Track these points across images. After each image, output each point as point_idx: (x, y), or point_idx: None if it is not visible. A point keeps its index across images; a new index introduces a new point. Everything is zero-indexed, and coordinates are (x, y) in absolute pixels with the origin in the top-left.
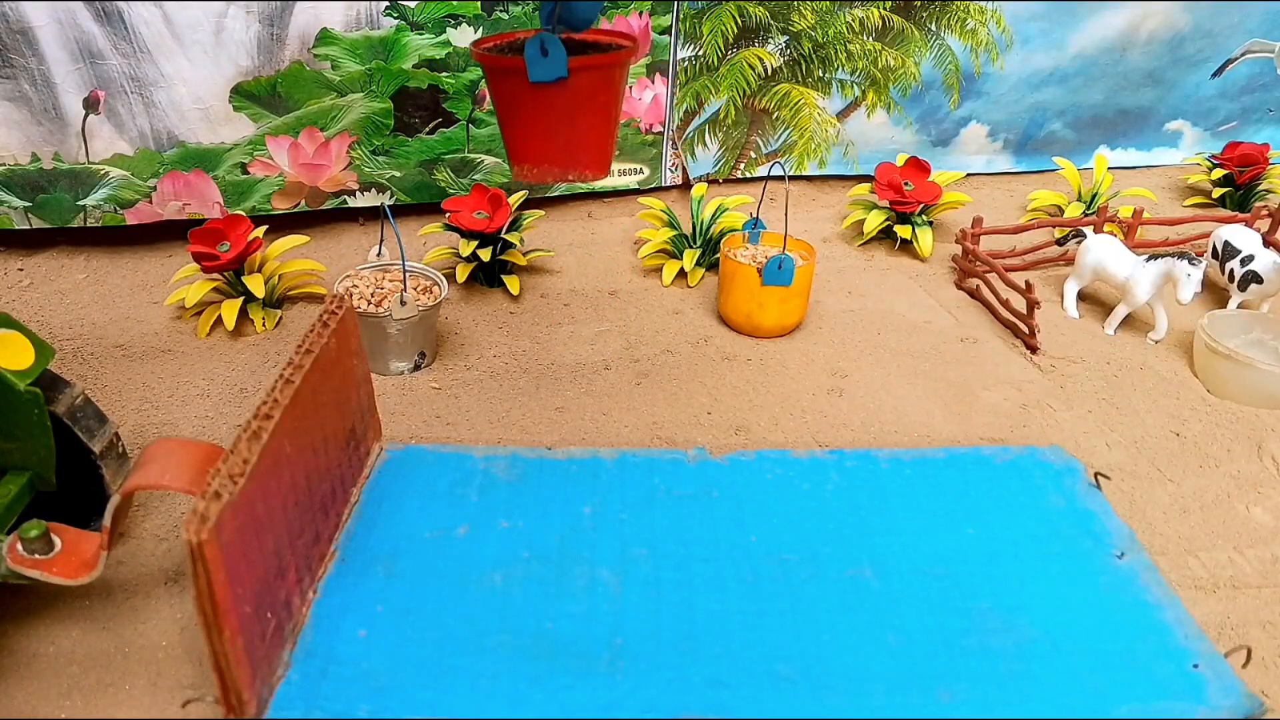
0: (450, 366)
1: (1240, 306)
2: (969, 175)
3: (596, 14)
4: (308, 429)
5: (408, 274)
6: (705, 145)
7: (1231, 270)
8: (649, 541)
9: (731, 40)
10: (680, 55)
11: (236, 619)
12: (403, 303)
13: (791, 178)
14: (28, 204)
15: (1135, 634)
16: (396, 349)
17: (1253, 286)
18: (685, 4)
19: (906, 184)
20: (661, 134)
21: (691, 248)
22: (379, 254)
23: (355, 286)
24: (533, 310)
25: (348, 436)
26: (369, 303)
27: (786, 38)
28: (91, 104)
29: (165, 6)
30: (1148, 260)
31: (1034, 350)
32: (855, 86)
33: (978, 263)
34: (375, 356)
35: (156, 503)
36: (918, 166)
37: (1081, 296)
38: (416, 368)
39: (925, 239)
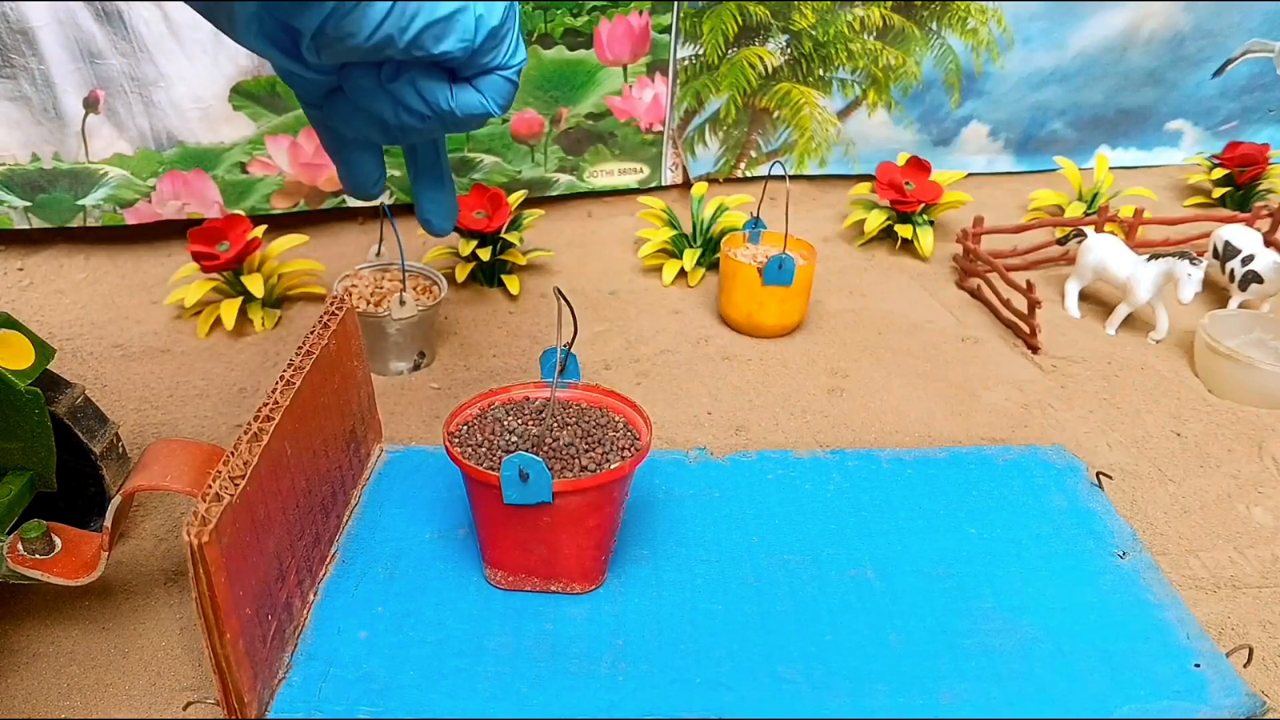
0: (450, 366)
1: (1241, 306)
2: (970, 175)
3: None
4: (308, 431)
5: (407, 274)
6: (705, 144)
7: (1232, 270)
8: (650, 542)
9: (732, 39)
10: (680, 54)
11: (237, 621)
12: (402, 303)
13: (792, 177)
14: (28, 204)
15: (1137, 634)
16: (396, 349)
17: (1253, 286)
18: (685, 3)
19: (907, 183)
20: (661, 133)
21: (692, 247)
22: (378, 253)
23: (354, 286)
24: (533, 310)
25: (348, 438)
26: (368, 303)
27: (787, 37)
28: (91, 104)
29: (165, 6)
30: (1149, 260)
31: (1035, 350)
32: (856, 85)
33: (979, 262)
34: (374, 356)
35: (156, 503)
36: (919, 166)
37: (1083, 296)
38: (415, 368)
39: (926, 239)
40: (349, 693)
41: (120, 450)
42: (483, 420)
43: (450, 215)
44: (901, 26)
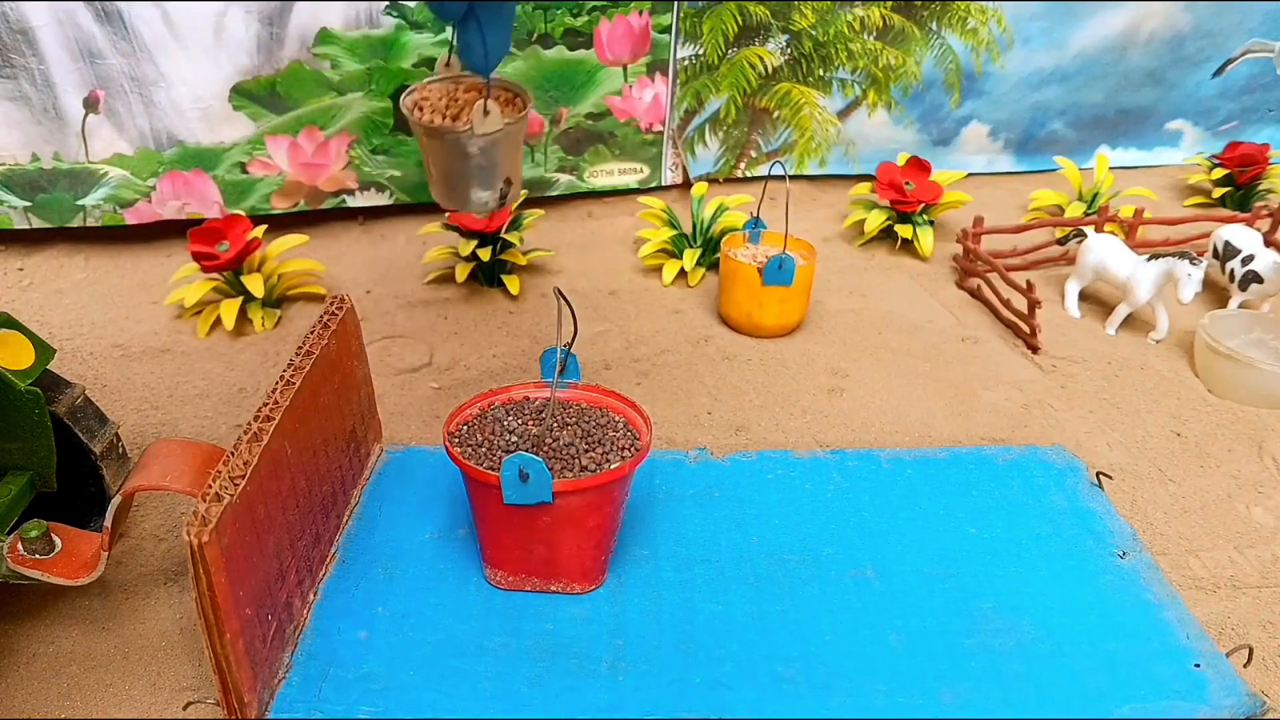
0: (450, 366)
1: (1241, 306)
2: (970, 175)
3: None
4: (308, 431)
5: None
6: (705, 144)
7: (1232, 270)
8: (650, 542)
9: (732, 39)
10: (681, 54)
11: (237, 621)
12: (486, 113)
13: (792, 177)
14: (28, 204)
15: (1137, 634)
16: (479, 174)
17: (1253, 286)
18: (685, 3)
19: (907, 183)
20: (661, 133)
21: (692, 247)
22: (447, 63)
23: (425, 99)
24: (533, 310)
25: (348, 438)
26: (443, 116)
27: (787, 37)
28: (91, 104)
29: (165, 6)
30: (1149, 260)
31: (1035, 350)
32: (856, 85)
33: (979, 262)
34: (452, 187)
35: (156, 503)
36: (919, 166)
37: (1083, 296)
38: (502, 199)
39: (926, 239)
40: (349, 693)
41: (120, 450)
42: (483, 420)
43: (495, 54)
44: (901, 26)
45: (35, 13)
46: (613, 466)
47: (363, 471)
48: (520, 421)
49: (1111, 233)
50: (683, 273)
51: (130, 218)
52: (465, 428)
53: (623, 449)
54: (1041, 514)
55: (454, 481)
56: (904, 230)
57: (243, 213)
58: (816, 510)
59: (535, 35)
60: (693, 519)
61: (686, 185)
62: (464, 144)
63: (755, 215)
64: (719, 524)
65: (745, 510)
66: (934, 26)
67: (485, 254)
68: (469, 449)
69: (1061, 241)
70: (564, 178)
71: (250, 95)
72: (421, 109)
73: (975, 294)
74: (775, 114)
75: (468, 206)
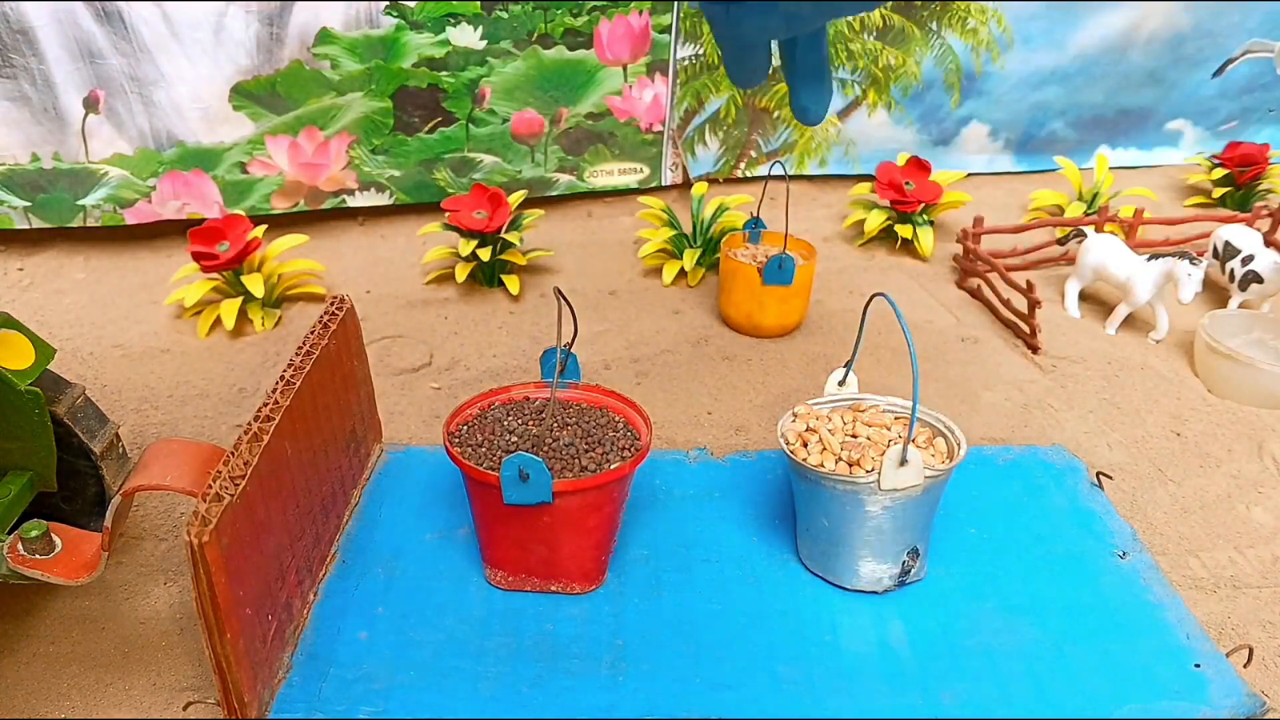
0: (450, 366)
1: (1241, 306)
2: (970, 175)
3: None
4: (308, 431)
5: (914, 420)
6: (705, 144)
7: (1232, 270)
8: (650, 542)
9: None
10: (681, 54)
11: (237, 621)
12: (904, 461)
13: (792, 177)
14: (28, 204)
15: (1137, 634)
16: (875, 539)
17: (1253, 286)
18: (686, 3)
19: (907, 183)
20: (661, 133)
21: (692, 247)
22: (842, 381)
23: (813, 431)
24: (533, 310)
25: (348, 438)
26: (837, 460)
27: None
28: (91, 104)
29: (165, 6)
30: (1149, 260)
31: (1035, 350)
32: (856, 85)
33: (979, 262)
34: (831, 548)
35: (156, 503)
36: (919, 166)
37: (1083, 296)
38: (904, 575)
39: (926, 238)
40: (349, 693)
41: (120, 450)
42: (483, 420)
43: (826, 103)
44: (901, 26)
45: (35, 13)
46: (613, 466)
47: (363, 471)
48: (520, 421)
49: (1111, 233)
50: (683, 273)
51: (130, 218)
52: (465, 428)
53: (623, 449)
54: (1041, 514)
55: (454, 481)
56: (904, 230)
57: (243, 213)
58: None
59: (535, 35)
60: (693, 519)
61: (686, 185)
62: (860, 500)
63: (755, 215)
64: (719, 524)
65: (745, 510)
66: (934, 26)
67: (485, 254)
68: (469, 449)
69: (1061, 241)
70: (564, 178)
71: (250, 95)
72: (807, 443)
73: (975, 294)
74: (775, 114)
75: (842, 580)
